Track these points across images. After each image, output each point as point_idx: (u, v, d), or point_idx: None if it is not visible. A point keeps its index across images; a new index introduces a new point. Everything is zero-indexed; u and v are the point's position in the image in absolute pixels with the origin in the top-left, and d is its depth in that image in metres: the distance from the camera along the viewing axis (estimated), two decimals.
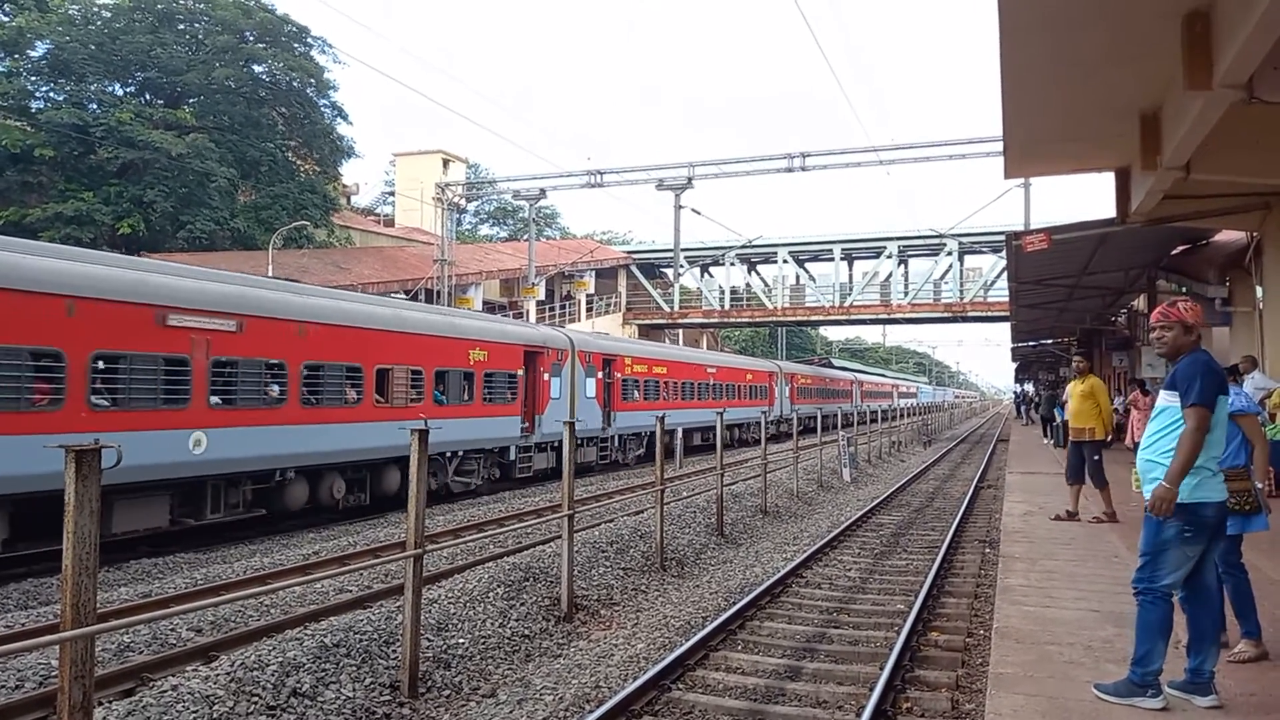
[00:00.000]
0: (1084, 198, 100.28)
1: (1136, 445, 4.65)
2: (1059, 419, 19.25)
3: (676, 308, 46.20)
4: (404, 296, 27.80)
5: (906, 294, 43.07)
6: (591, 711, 5.26)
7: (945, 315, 42.09)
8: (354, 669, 6.00)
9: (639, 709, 5.50)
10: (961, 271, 42.29)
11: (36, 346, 9.29)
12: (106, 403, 10.04)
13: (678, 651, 6.37)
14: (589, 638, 7.52)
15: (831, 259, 44.68)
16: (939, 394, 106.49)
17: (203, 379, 11.03)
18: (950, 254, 41.59)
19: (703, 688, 6.00)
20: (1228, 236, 14.28)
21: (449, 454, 16.10)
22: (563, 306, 44.19)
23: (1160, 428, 4.18)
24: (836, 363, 63.17)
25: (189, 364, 10.86)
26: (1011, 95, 7.07)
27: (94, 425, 9.53)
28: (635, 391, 24.07)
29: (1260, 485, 4.91)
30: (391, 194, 55.96)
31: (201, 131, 33.23)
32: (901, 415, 37.79)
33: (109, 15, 33.78)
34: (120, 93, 34.17)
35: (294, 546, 11.66)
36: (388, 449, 13.81)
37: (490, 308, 37.80)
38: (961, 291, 41.59)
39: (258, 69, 36.47)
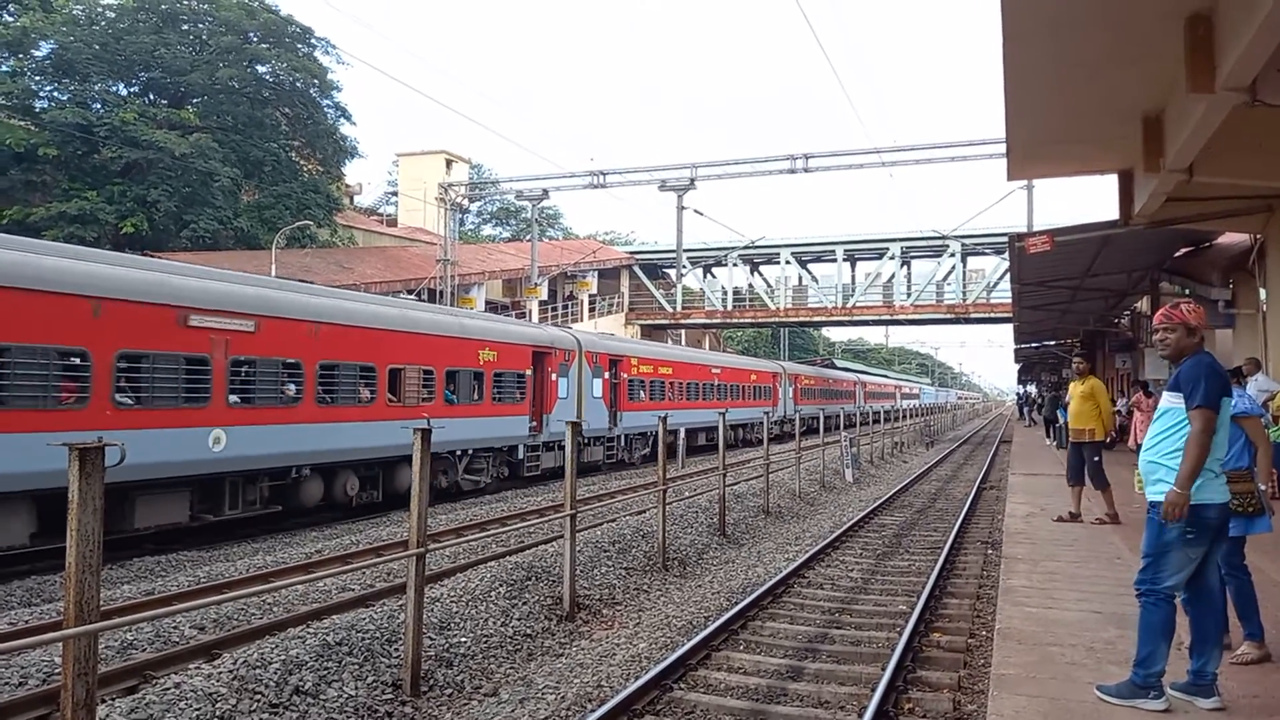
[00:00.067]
0: (1087, 200, 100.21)
1: (1140, 447, 4.65)
2: (1061, 420, 19.22)
3: (679, 308, 46.24)
4: (408, 296, 27.84)
5: (909, 295, 43.06)
6: (593, 711, 5.27)
7: (948, 316, 42.06)
8: (356, 667, 6.01)
9: (641, 708, 5.50)
10: (964, 273, 42.26)
11: (64, 346, 9.41)
12: (130, 401, 10.16)
13: (680, 651, 6.38)
14: (591, 637, 7.52)
15: (834, 260, 44.68)
16: (942, 395, 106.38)
17: (222, 378, 11.17)
18: (953, 255, 41.57)
19: (704, 687, 6.00)
20: (1231, 239, 14.24)
21: (459, 453, 16.18)
22: (565, 307, 44.22)
23: (1163, 429, 4.19)
24: (839, 364, 63.09)
25: (209, 363, 11.00)
26: (1014, 97, 7.07)
27: (118, 423, 9.65)
28: (641, 392, 24.11)
29: (1264, 487, 4.92)
30: (394, 194, 56.05)
31: (205, 131, 33.33)
32: (904, 416, 37.75)
33: (113, 15, 33.89)
34: (124, 93, 34.26)
35: (297, 545, 11.69)
36: (400, 447, 13.85)
37: (493, 307, 37.80)
38: (964, 293, 41.56)
39: (261, 69, 36.56)
